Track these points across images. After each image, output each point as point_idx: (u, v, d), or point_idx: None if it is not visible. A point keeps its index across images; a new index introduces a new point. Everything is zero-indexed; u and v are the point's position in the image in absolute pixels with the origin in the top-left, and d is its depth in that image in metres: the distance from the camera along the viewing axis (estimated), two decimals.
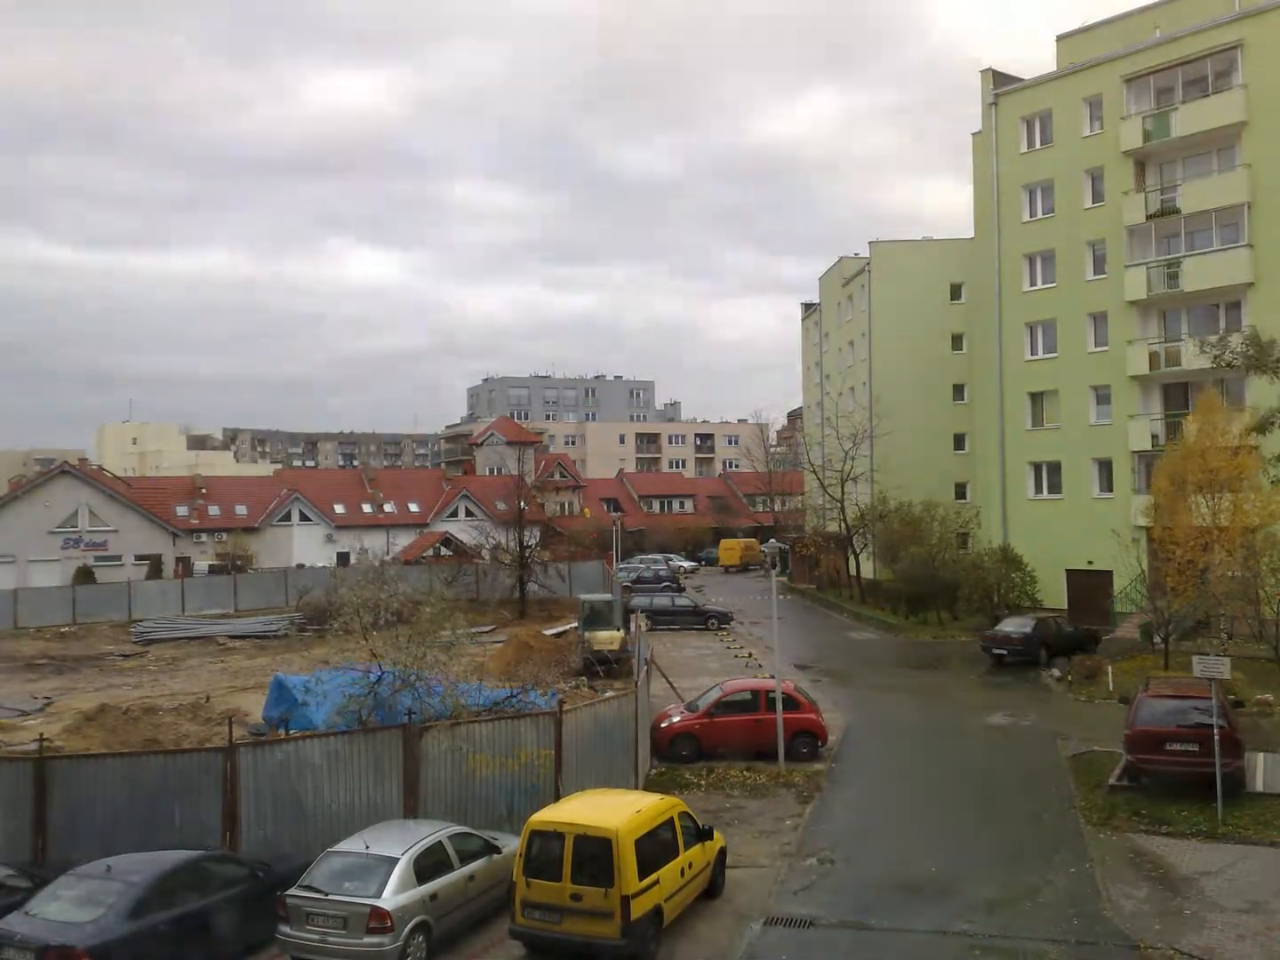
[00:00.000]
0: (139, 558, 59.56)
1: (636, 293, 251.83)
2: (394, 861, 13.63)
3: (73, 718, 26.81)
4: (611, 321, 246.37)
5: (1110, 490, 40.30)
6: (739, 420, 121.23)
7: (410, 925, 13.25)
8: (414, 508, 73.30)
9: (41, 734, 21.43)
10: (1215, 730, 17.82)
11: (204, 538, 66.34)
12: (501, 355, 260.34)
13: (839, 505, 52.77)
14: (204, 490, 70.08)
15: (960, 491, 51.00)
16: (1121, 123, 39.77)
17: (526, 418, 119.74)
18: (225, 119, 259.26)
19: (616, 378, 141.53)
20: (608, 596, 38.21)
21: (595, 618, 35.18)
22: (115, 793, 16.26)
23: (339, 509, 70.81)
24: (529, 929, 13.46)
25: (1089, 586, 39.83)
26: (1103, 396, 40.80)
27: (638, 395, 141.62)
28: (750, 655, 37.43)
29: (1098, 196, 41.06)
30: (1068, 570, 41.08)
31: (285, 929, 13.38)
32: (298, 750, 17.47)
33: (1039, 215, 43.09)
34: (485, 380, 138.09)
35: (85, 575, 56.27)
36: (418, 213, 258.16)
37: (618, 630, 34.55)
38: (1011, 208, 43.70)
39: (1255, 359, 27.48)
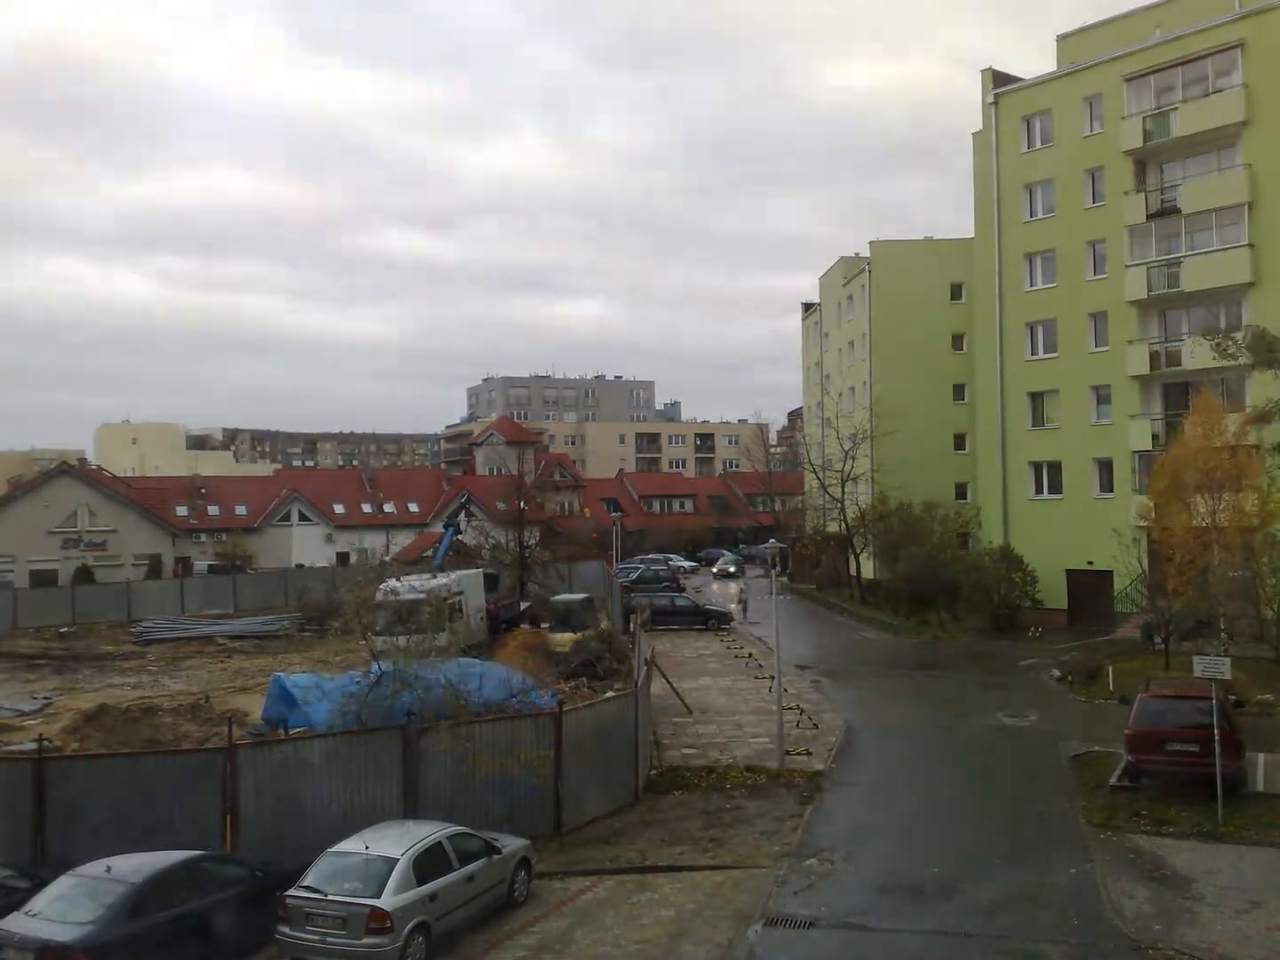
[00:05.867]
0: (138, 558, 59.59)
1: (638, 292, 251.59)
2: (394, 862, 13.63)
3: (72, 718, 26.77)
4: (613, 320, 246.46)
5: (1111, 490, 40.26)
6: (739, 420, 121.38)
7: (410, 926, 13.25)
8: (414, 508, 73.33)
9: (41, 734, 21.46)
10: (1216, 731, 17.80)
11: (203, 538, 66.39)
12: (501, 355, 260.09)
13: (839, 505, 52.75)
14: (203, 490, 70.14)
15: (961, 491, 50.92)
16: (1122, 122, 39.73)
17: (526, 418, 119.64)
18: None
19: (616, 378, 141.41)
20: (579, 596, 37.91)
21: (563, 619, 35.01)
22: (115, 793, 16.24)
23: (339, 509, 70.85)
24: None
25: (1089, 587, 39.83)
26: (1103, 396, 40.77)
27: (638, 395, 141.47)
28: (750, 655, 37.42)
29: (1098, 196, 41.02)
30: (1068, 570, 41.06)
31: (285, 929, 13.39)
32: (297, 750, 17.49)
33: (1039, 215, 43.05)
34: (485, 380, 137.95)
35: (85, 575, 56.31)
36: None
37: (574, 633, 34.14)
38: (1012, 207, 43.66)
39: (1261, 353, 27.44)
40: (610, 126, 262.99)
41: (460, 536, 49.44)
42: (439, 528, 69.45)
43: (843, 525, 52.92)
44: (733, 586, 59.44)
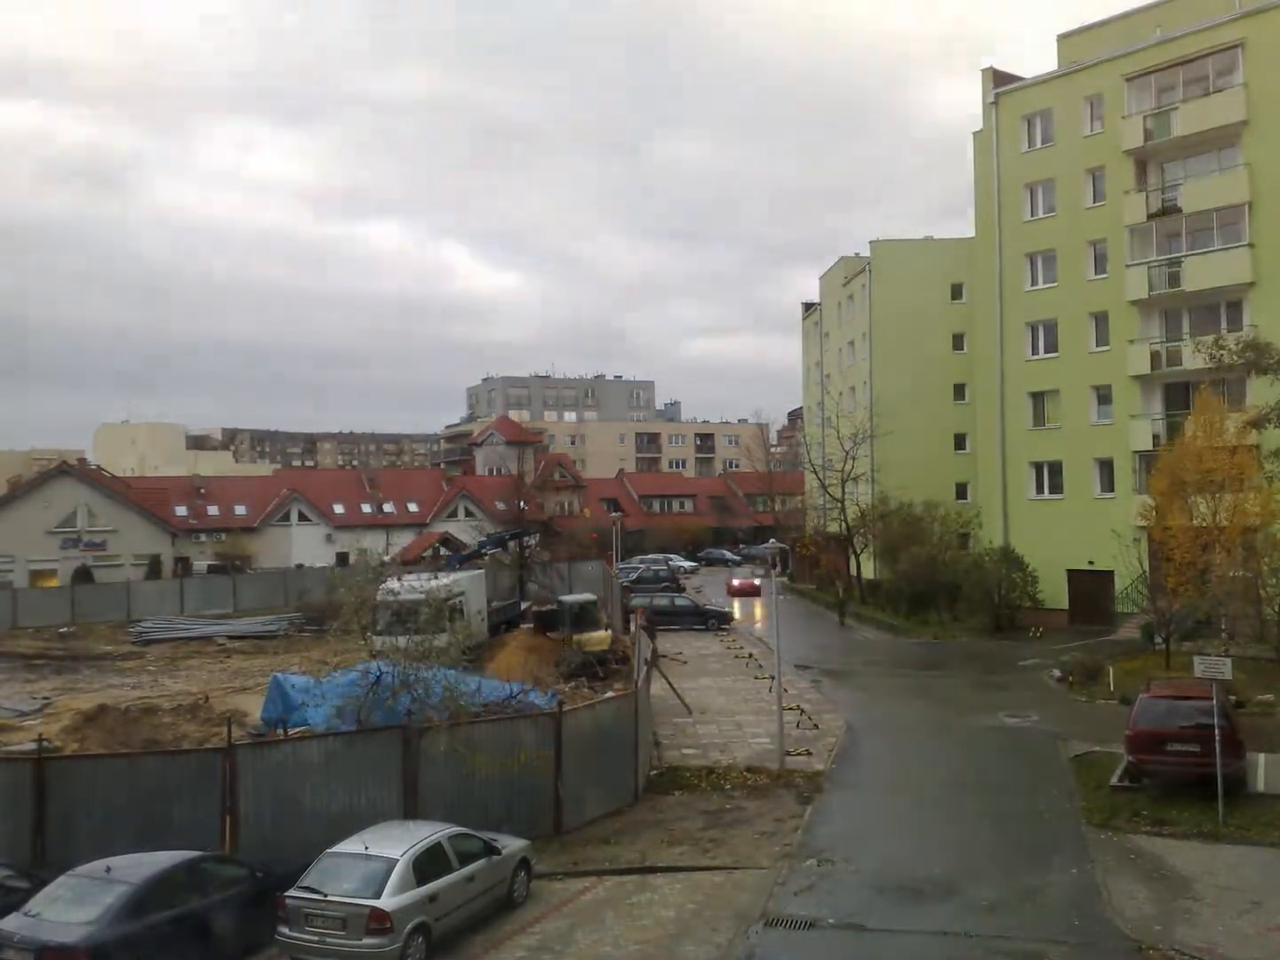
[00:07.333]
0: (138, 558, 59.58)
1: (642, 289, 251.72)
2: (393, 863, 13.62)
3: (72, 718, 26.78)
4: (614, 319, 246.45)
5: (1111, 490, 40.23)
6: (739, 420, 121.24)
7: (409, 926, 13.24)
8: (413, 508, 73.29)
9: (41, 734, 21.46)
10: (1216, 731, 17.77)
11: (203, 538, 66.34)
12: (501, 354, 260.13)
13: (839, 505, 52.74)
14: (203, 490, 70.08)
15: (961, 491, 50.92)
16: (1122, 122, 39.70)
17: (527, 418, 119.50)
18: None
19: (616, 378, 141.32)
20: (588, 597, 38.07)
21: (576, 620, 35.15)
22: (115, 793, 16.25)
23: (338, 509, 70.80)
24: None
25: (1090, 587, 39.80)
26: (1104, 396, 40.73)
27: (638, 395, 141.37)
28: (751, 656, 37.39)
29: (1099, 196, 40.98)
30: (1069, 570, 41.02)
31: (284, 930, 13.38)
32: (297, 751, 17.48)
33: (1040, 214, 43.00)
34: (485, 380, 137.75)
35: (84, 575, 56.28)
36: None
37: (606, 630, 34.39)
38: (1012, 207, 43.62)
39: (1253, 361, 27.48)
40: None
41: (492, 551, 49.20)
42: (438, 527, 69.60)
43: (843, 525, 52.89)
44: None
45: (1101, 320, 40.76)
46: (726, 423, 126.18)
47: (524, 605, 44.51)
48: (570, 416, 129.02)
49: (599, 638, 33.69)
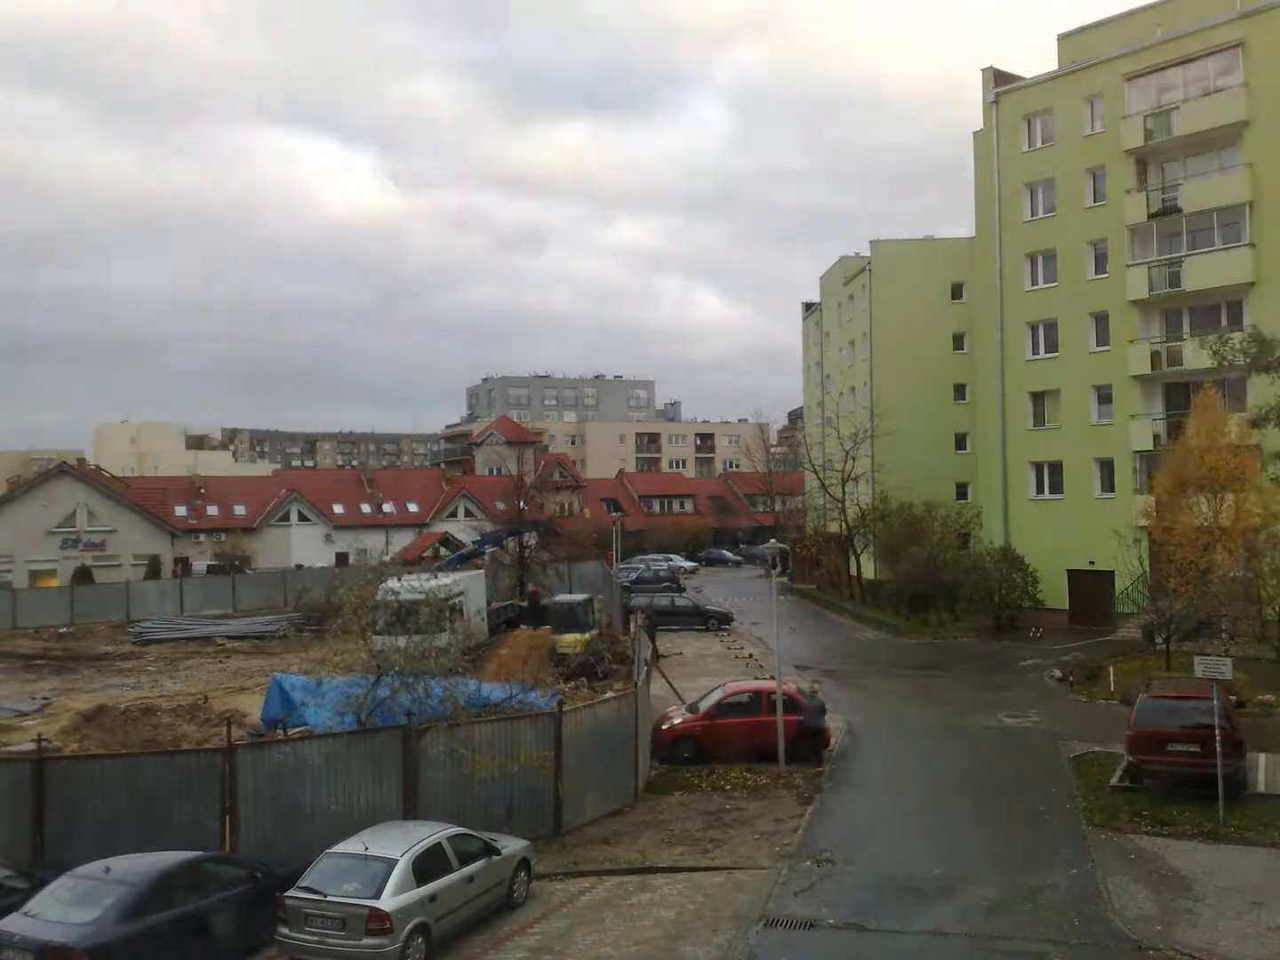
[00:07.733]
0: (137, 558, 59.57)
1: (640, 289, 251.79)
2: (393, 863, 13.60)
3: (71, 718, 26.77)
4: (613, 318, 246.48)
5: (1112, 490, 40.21)
6: (739, 420, 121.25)
7: (409, 927, 13.22)
8: (413, 508, 73.28)
9: (40, 734, 21.41)
10: (1217, 731, 17.76)
11: (202, 538, 66.29)
12: (501, 353, 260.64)
13: (840, 505, 52.71)
14: (202, 490, 70.03)
15: (961, 491, 50.87)
16: (1123, 121, 39.69)
17: (526, 418, 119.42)
18: None
19: (616, 378, 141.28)
20: (581, 597, 38.08)
21: (568, 619, 35.13)
22: (114, 793, 16.22)
23: (338, 509, 70.79)
24: None
25: (1091, 587, 39.78)
26: (1104, 396, 40.71)
27: (638, 395, 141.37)
28: (751, 656, 37.38)
29: (1099, 195, 40.97)
30: (1069, 570, 41.01)
31: (284, 930, 13.36)
32: (296, 751, 17.44)
33: (1040, 214, 42.99)
34: (485, 380, 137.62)
35: (84, 575, 56.27)
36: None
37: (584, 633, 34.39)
38: (1012, 207, 43.61)
39: (1257, 357, 27.45)
40: None
41: (490, 550, 49.12)
42: (438, 527, 69.56)
43: (843, 525, 52.87)
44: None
45: (1102, 320, 40.75)
46: (726, 423, 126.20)
47: (524, 605, 44.47)
48: (570, 416, 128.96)
49: (570, 639, 33.73)
